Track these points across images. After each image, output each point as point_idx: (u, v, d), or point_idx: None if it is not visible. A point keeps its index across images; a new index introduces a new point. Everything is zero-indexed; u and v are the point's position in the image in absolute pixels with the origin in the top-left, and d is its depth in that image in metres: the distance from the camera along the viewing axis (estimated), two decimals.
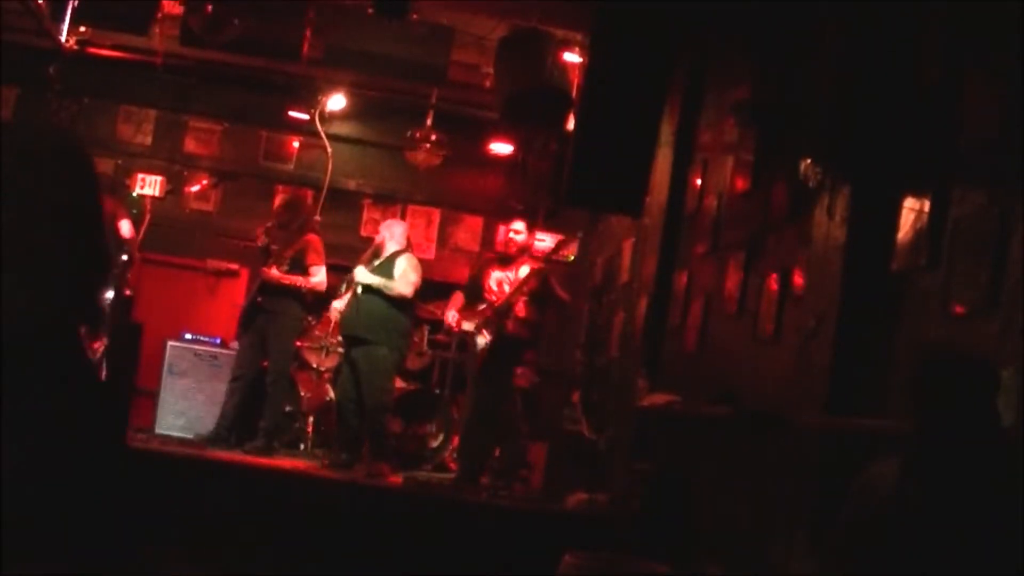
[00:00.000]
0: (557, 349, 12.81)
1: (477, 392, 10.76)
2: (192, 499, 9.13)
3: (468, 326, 10.79)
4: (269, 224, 11.65)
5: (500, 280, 10.74)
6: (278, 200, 11.85)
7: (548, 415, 11.60)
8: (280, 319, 11.33)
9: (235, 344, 11.95)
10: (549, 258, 11.27)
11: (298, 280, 11.24)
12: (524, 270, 10.67)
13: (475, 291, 10.89)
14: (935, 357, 4.61)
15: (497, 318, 10.57)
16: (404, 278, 10.85)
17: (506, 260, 10.87)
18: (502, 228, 13.00)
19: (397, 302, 10.82)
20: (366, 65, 12.07)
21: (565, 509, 9.68)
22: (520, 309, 10.65)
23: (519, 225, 11.03)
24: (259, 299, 11.29)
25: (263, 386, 11.28)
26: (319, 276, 11.39)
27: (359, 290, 10.77)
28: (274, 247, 11.33)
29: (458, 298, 10.96)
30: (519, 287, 10.55)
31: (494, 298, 10.64)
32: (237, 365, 11.48)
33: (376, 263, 10.88)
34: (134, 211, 11.93)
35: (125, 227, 10.90)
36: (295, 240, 11.40)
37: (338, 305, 11.38)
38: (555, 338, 12.57)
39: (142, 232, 11.55)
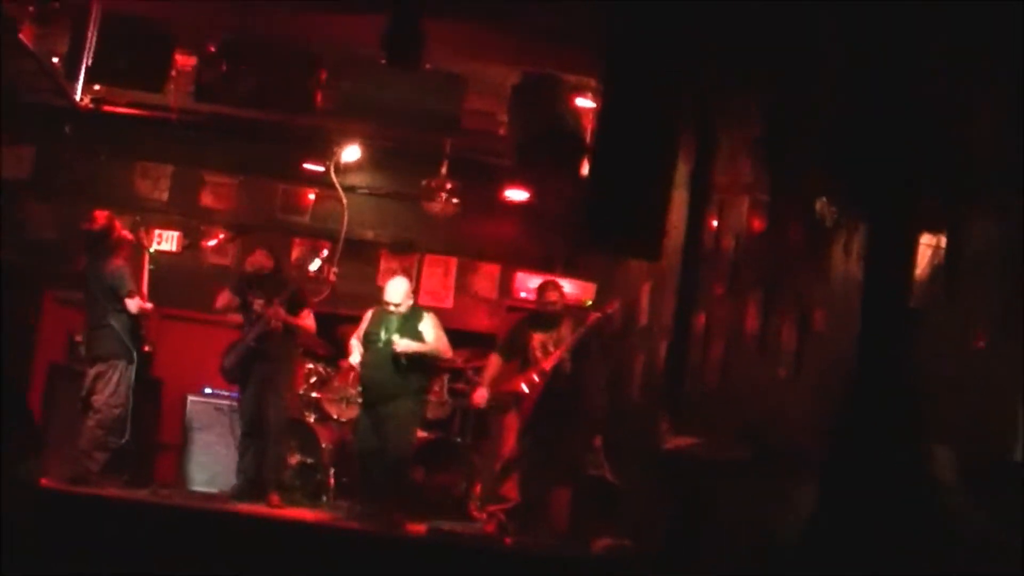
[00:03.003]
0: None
1: (520, 444, 10.84)
2: (216, 552, 9.11)
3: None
4: (240, 282, 11.63)
5: (544, 342, 10.86)
6: (259, 256, 11.80)
7: (571, 460, 11.56)
8: (284, 365, 11.37)
9: None
10: (603, 311, 11.23)
11: (299, 321, 11.25)
12: (566, 329, 10.88)
13: (514, 353, 11.01)
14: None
15: (547, 379, 10.70)
16: (440, 340, 11.06)
17: (547, 322, 10.98)
18: (521, 277, 13.06)
19: (421, 357, 10.91)
20: (380, 115, 12.09)
21: (591, 554, 9.65)
22: (566, 366, 10.77)
23: (555, 292, 11.14)
24: (257, 346, 11.19)
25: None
26: (311, 319, 11.47)
27: (390, 354, 10.85)
28: (256, 299, 11.30)
29: (495, 362, 11.11)
30: (569, 347, 10.74)
31: (540, 356, 10.77)
32: (248, 420, 11.31)
33: (395, 325, 10.93)
34: (151, 266, 11.90)
35: (132, 305, 10.88)
36: (282, 287, 11.38)
37: (354, 360, 11.35)
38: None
39: (144, 284, 11.49)
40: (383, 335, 10.94)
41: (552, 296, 11.14)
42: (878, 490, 5.62)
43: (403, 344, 10.83)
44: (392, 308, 11.01)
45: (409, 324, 10.99)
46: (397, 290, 11.14)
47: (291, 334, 11.35)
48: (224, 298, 11.48)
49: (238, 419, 11.66)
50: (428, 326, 11.06)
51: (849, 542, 5.75)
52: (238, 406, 11.63)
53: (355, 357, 11.26)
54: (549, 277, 11.95)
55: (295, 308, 11.30)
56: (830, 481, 6.18)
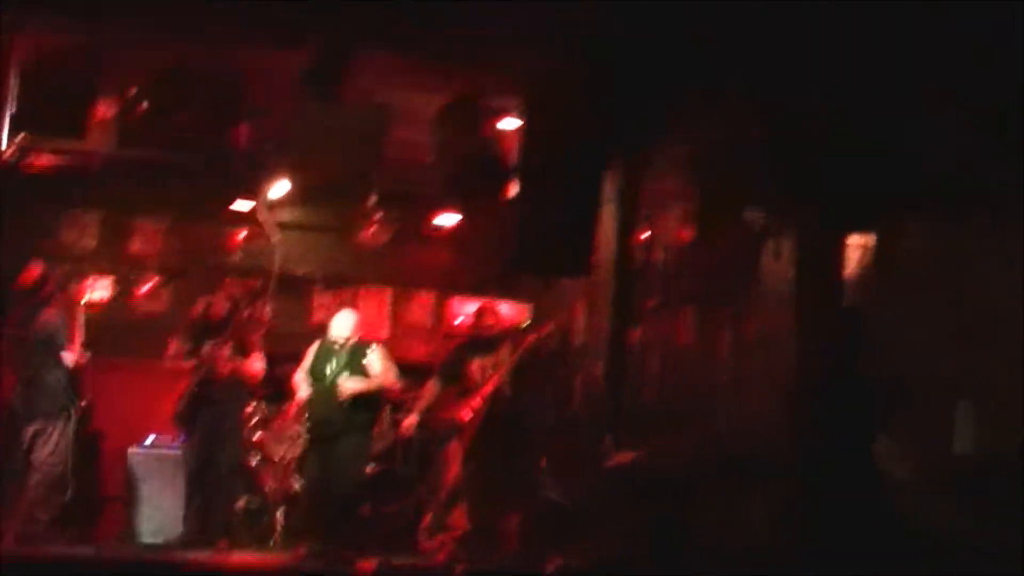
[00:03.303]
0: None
1: (465, 471, 10.81)
2: None
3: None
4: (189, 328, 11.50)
5: (483, 366, 10.84)
6: (213, 301, 11.68)
7: (518, 483, 11.55)
8: (232, 409, 11.26)
9: None
10: (539, 332, 11.27)
11: (246, 366, 11.15)
12: (504, 352, 10.83)
13: (453, 379, 10.99)
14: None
15: (488, 404, 10.68)
16: (387, 373, 10.98)
17: (486, 346, 10.97)
18: (455, 304, 13.06)
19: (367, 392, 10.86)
20: (305, 150, 12.06)
21: (544, 574, 9.63)
22: (506, 390, 10.77)
23: (492, 316, 11.15)
24: (202, 391, 11.09)
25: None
26: (259, 363, 11.35)
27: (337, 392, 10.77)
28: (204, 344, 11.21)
29: (431, 389, 11.10)
30: (511, 370, 10.72)
31: (479, 380, 10.75)
32: (195, 466, 11.16)
33: (341, 360, 10.87)
34: (84, 316, 11.73)
35: (68, 359, 10.77)
36: (228, 329, 11.30)
37: (303, 395, 11.21)
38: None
39: (78, 336, 11.30)
40: (328, 371, 10.86)
41: (489, 320, 11.14)
42: (828, 489, 5.65)
43: (348, 387, 10.74)
44: (339, 344, 10.93)
45: (355, 359, 10.91)
46: (344, 324, 11.07)
47: (238, 379, 11.24)
48: (172, 347, 11.37)
49: (183, 467, 11.52)
50: (375, 359, 10.96)
51: (799, 541, 5.77)
52: (184, 453, 11.48)
53: (303, 391, 11.13)
54: (485, 301, 11.93)
55: (242, 351, 11.21)
56: (780, 483, 6.20)
